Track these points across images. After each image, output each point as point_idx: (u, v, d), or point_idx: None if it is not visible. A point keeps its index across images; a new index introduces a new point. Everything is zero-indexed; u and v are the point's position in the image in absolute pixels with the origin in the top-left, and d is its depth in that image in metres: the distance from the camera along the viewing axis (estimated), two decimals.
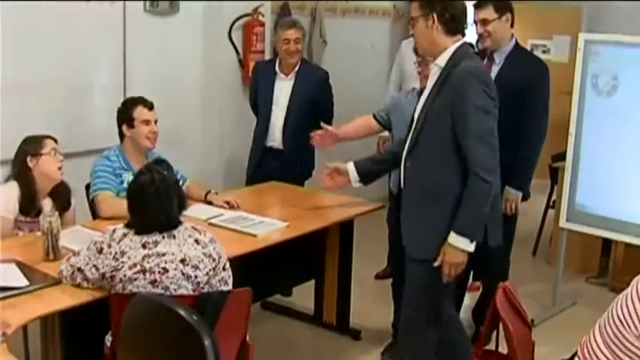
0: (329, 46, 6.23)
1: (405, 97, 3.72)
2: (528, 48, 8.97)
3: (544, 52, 8.16)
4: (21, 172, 3.35)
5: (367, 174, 3.51)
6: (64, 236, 3.01)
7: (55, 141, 3.44)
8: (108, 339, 2.61)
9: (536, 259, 5.80)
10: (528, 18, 9.14)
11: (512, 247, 4.04)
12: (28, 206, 3.33)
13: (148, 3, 4.83)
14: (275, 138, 4.59)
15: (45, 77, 4.35)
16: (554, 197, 5.58)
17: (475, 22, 3.75)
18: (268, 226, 3.46)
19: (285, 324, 4.35)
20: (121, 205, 3.36)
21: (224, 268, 2.70)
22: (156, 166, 2.70)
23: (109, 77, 4.70)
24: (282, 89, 4.55)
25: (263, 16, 5.34)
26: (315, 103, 4.51)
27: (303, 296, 4.45)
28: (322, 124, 3.85)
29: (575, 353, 1.92)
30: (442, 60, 2.89)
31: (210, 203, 3.81)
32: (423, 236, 2.91)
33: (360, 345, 4.05)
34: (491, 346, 2.84)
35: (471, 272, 3.85)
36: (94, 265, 2.58)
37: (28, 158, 3.34)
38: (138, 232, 2.57)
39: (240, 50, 5.36)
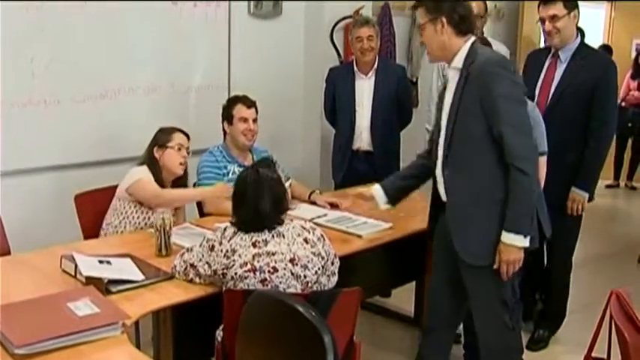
0: None
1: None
2: (633, 49, 8.76)
3: None
4: (149, 159, 3.52)
5: (395, 193, 3.28)
6: (173, 233, 3.10)
7: (187, 136, 3.58)
8: (219, 333, 2.67)
9: None
10: (635, 16, 8.80)
11: (574, 250, 4.05)
12: None
13: (252, 4, 4.94)
14: (362, 140, 4.56)
15: (152, 78, 4.51)
16: None
17: (542, 19, 3.69)
18: (372, 226, 3.47)
19: (384, 325, 4.36)
20: (222, 204, 3.49)
21: (332, 263, 2.75)
22: (258, 164, 2.75)
23: (214, 78, 4.83)
24: (364, 89, 4.53)
25: None
26: (396, 100, 4.50)
27: (401, 298, 4.45)
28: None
29: None
30: (458, 61, 2.82)
31: (313, 203, 3.86)
32: (478, 242, 2.84)
33: (460, 348, 4.01)
34: (599, 354, 2.77)
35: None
36: (207, 262, 2.65)
37: (155, 148, 3.51)
38: (240, 230, 2.62)
39: (341, 52, 5.40)
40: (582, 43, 3.76)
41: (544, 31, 3.75)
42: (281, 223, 2.65)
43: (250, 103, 3.82)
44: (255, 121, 3.81)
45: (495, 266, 2.79)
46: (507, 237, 2.74)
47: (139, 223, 3.46)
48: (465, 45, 2.82)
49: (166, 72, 4.58)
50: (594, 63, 3.70)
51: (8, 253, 3.25)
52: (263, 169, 2.67)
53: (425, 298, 4.14)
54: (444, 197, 2.93)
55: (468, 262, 2.86)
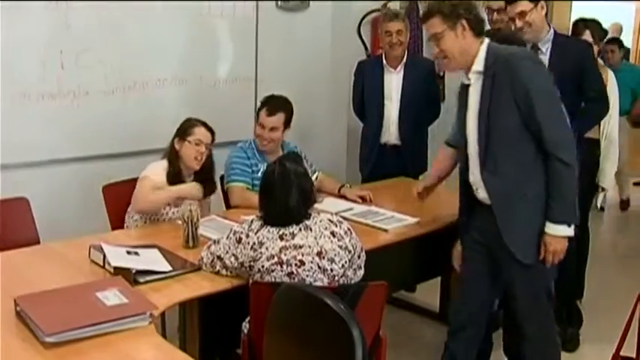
0: None
1: None
2: None
3: None
4: (170, 149, 3.54)
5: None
6: (201, 225, 3.12)
7: (212, 132, 3.56)
8: (245, 326, 2.69)
9: None
10: None
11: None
12: (173, 181, 3.49)
13: None
14: (391, 133, 4.57)
15: (180, 71, 4.53)
16: None
17: (511, 18, 3.66)
18: (399, 221, 3.46)
19: (409, 320, 4.35)
20: (251, 198, 3.48)
21: (359, 257, 2.74)
22: (284, 158, 2.74)
23: (242, 71, 4.84)
24: (393, 83, 4.53)
25: None
26: (425, 94, 4.49)
27: (426, 293, 4.44)
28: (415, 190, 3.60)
29: None
30: (479, 65, 2.79)
31: (343, 197, 3.86)
32: (531, 238, 2.81)
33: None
34: (628, 352, 2.75)
35: None
36: (234, 254, 2.65)
37: (176, 140, 3.52)
38: (268, 223, 2.63)
39: (368, 46, 5.39)
40: (557, 33, 3.75)
41: (517, 29, 3.71)
42: (308, 216, 2.66)
43: (274, 111, 3.73)
44: (273, 129, 3.72)
45: (541, 257, 2.79)
46: (553, 228, 2.74)
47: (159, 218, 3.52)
48: (482, 46, 2.79)
49: (194, 64, 4.60)
50: (573, 49, 3.72)
51: (37, 242, 3.29)
52: (289, 163, 2.66)
53: (451, 294, 4.16)
54: (487, 201, 2.88)
55: (519, 260, 2.82)
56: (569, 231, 2.76)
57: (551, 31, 3.72)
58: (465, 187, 3.00)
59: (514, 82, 2.68)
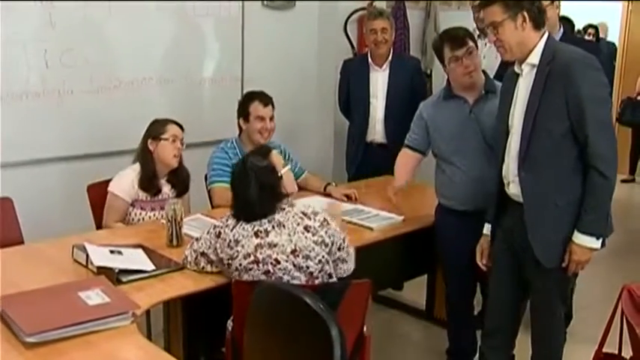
0: None
1: (440, 101, 3.50)
2: None
3: None
4: (142, 152, 3.53)
5: None
6: (185, 224, 3.11)
7: (181, 128, 3.57)
8: (229, 324, 2.68)
9: None
10: None
11: None
12: (148, 185, 3.50)
13: None
14: (377, 132, 4.57)
15: (166, 70, 4.52)
16: None
17: None
18: (384, 219, 3.47)
19: (396, 318, 4.35)
20: (229, 195, 3.49)
21: (339, 248, 2.69)
22: (250, 153, 2.76)
23: (228, 70, 4.83)
24: (378, 81, 4.53)
25: None
26: (411, 92, 4.48)
27: (413, 291, 4.44)
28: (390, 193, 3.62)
29: None
30: (534, 58, 2.69)
31: (329, 195, 3.87)
32: (556, 244, 2.74)
33: None
34: (610, 349, 2.76)
35: None
36: (215, 249, 2.66)
37: (149, 141, 3.51)
38: (240, 219, 2.63)
39: (355, 44, 5.38)
40: (566, 32, 3.74)
41: None
42: (276, 210, 2.62)
43: (267, 101, 3.75)
44: (272, 119, 3.75)
45: (564, 265, 2.74)
46: (581, 238, 2.68)
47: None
48: (541, 40, 2.70)
49: (180, 64, 4.59)
50: (585, 49, 3.68)
51: (21, 242, 3.27)
52: (252, 157, 2.67)
53: (437, 292, 4.16)
54: (518, 198, 2.81)
55: (542, 264, 2.76)
56: (596, 243, 2.69)
57: (561, 29, 3.71)
58: (501, 182, 2.92)
59: (569, 88, 2.59)
